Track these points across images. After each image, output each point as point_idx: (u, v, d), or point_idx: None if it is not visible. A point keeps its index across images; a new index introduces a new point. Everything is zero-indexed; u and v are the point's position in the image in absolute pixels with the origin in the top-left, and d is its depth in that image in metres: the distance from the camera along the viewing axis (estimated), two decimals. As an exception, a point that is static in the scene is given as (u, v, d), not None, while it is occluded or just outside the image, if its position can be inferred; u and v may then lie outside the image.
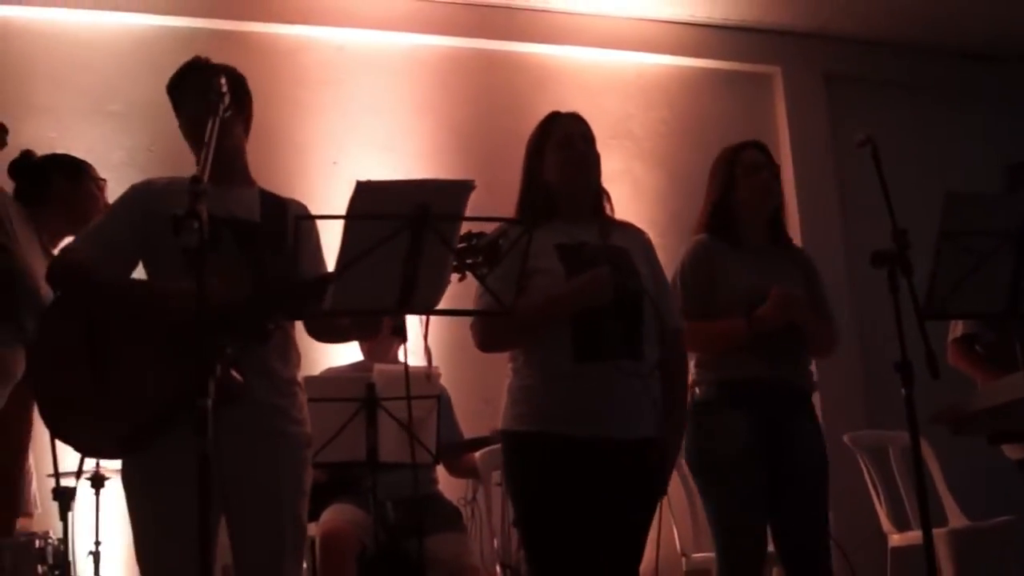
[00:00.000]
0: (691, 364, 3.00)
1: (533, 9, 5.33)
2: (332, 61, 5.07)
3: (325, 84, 5.05)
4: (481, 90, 5.25)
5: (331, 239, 2.22)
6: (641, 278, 2.70)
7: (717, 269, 3.03)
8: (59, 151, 4.69)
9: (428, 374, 3.04)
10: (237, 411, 2.22)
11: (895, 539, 4.30)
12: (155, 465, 2.30)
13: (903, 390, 2.66)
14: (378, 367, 3.53)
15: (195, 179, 1.97)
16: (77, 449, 2.43)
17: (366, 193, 2.11)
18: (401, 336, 2.33)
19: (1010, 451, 3.52)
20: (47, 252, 2.84)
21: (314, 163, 4.97)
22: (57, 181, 2.91)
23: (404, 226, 2.13)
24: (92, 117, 4.77)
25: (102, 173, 4.71)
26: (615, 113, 5.31)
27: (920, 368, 2.54)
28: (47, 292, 2.67)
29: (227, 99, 2.28)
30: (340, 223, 2.12)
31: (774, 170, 3.15)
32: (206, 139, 2.10)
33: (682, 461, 3.09)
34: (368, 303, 2.23)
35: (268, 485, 2.37)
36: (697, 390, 3.02)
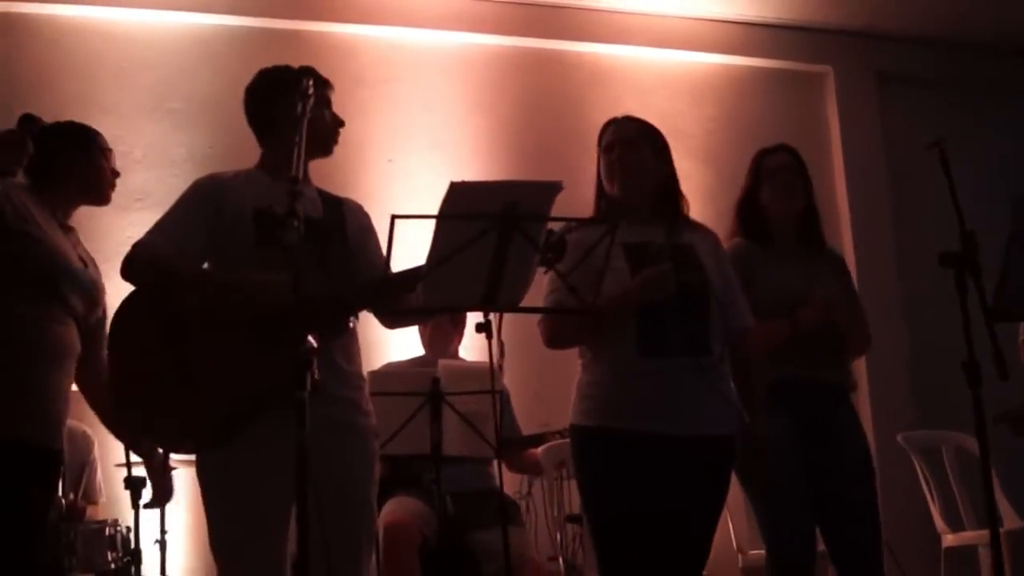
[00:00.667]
0: None
1: (585, 8, 5.36)
2: (388, 60, 5.12)
3: (381, 82, 5.10)
4: (533, 89, 5.29)
5: (407, 236, 2.26)
6: (707, 275, 2.72)
7: (752, 272, 3.06)
8: (122, 148, 4.80)
9: (500, 365, 3.07)
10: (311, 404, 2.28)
11: (949, 539, 4.30)
12: (235, 457, 2.33)
13: (971, 391, 2.66)
14: (443, 362, 3.58)
15: (293, 179, 2.04)
16: (156, 442, 2.46)
17: (458, 193, 2.16)
18: (487, 333, 2.36)
19: None
20: (64, 228, 2.84)
21: (370, 160, 5.03)
22: (66, 153, 2.81)
23: (492, 225, 2.19)
24: (153, 115, 4.85)
25: (163, 169, 4.85)
26: (665, 111, 5.32)
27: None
28: (80, 268, 2.69)
29: (311, 101, 2.35)
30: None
31: (799, 173, 3.18)
32: (296, 139, 2.18)
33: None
34: (455, 299, 2.28)
35: (342, 476, 2.40)
36: None
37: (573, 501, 4.29)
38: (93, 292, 2.70)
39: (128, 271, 2.42)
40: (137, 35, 4.92)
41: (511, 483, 4.24)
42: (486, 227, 2.19)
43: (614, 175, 2.80)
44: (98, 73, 4.83)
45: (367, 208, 5.37)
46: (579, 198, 4.83)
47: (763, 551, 3.84)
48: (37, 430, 2.51)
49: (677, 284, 2.61)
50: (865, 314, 3.19)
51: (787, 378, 2.98)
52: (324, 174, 5.29)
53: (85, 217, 4.58)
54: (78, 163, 2.84)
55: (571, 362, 2.85)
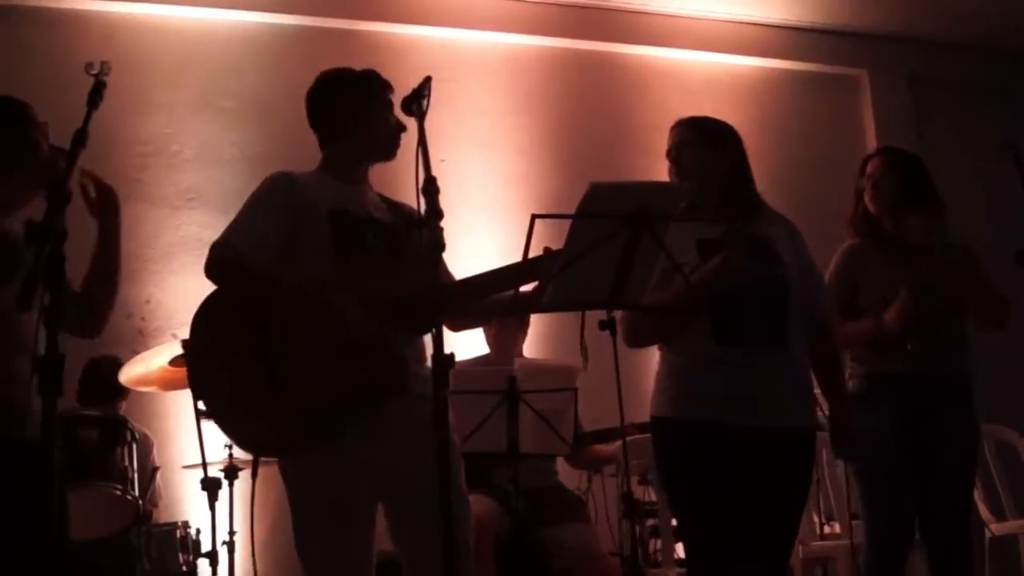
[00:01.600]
0: (847, 356, 3.11)
1: (631, 11, 5.45)
2: (439, 60, 5.17)
3: (432, 83, 5.14)
4: (580, 89, 5.36)
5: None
6: (784, 266, 2.70)
7: (860, 272, 3.15)
8: (174, 147, 4.84)
9: (586, 361, 3.11)
10: (395, 402, 2.32)
11: (993, 528, 4.41)
12: (321, 459, 2.33)
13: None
14: (519, 360, 3.64)
15: (431, 180, 2.21)
16: (240, 444, 2.45)
17: (595, 193, 2.21)
18: (610, 330, 2.41)
19: None
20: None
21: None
22: None
23: (624, 225, 2.24)
24: (205, 113, 4.88)
25: (214, 167, 4.87)
26: (710, 113, 5.39)
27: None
28: None
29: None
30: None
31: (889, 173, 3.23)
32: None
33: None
34: (584, 297, 2.33)
35: (431, 473, 2.43)
36: (849, 383, 3.12)
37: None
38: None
39: (211, 271, 2.38)
40: (189, 33, 4.97)
41: (569, 479, 4.31)
42: (617, 226, 2.23)
43: (675, 179, 2.81)
44: (150, 71, 4.86)
45: (417, 208, 5.42)
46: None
47: (824, 543, 4.01)
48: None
49: (753, 274, 2.60)
50: (987, 278, 3.15)
51: (894, 371, 3.06)
52: (377, 173, 5.37)
53: (137, 219, 4.65)
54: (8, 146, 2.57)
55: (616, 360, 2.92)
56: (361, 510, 2.39)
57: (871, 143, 5.62)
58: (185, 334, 4.52)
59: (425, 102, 2.43)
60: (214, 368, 2.38)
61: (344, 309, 2.27)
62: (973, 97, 5.94)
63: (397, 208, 2.61)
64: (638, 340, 2.82)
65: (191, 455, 3.85)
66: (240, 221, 2.43)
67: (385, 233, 2.50)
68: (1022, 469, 4.46)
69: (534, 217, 2.17)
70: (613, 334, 2.45)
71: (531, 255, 2.32)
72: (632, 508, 4.23)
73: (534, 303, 2.45)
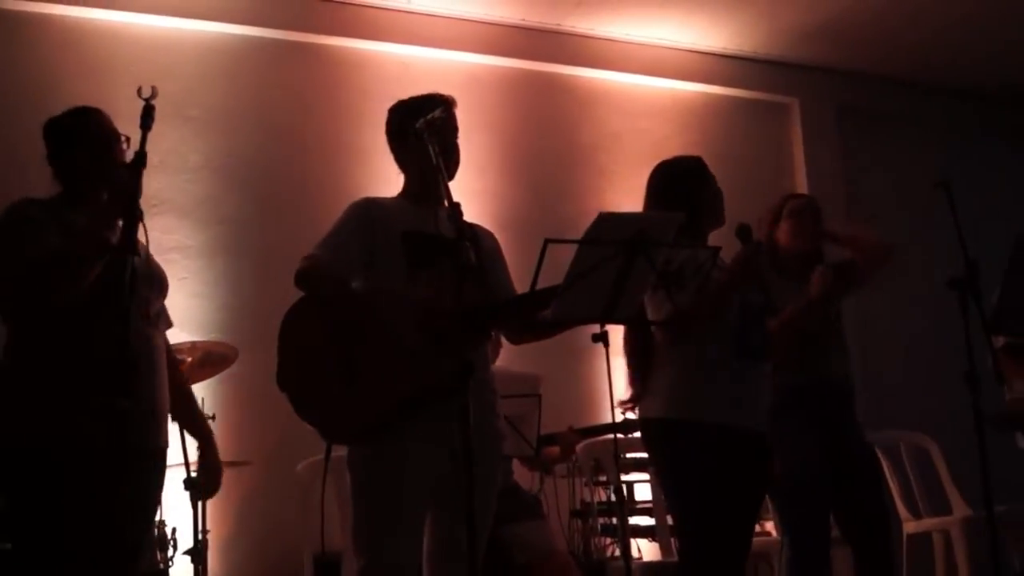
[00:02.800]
0: None
1: (581, 35, 5.72)
2: (397, 77, 5.35)
3: (390, 99, 5.31)
4: (533, 109, 5.60)
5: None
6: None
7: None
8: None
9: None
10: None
11: (910, 526, 4.79)
12: (384, 454, 2.53)
13: (971, 396, 3.16)
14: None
15: (454, 206, 2.36)
16: (323, 433, 2.60)
17: (602, 221, 2.48)
18: (603, 343, 2.67)
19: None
20: None
21: (378, 173, 5.24)
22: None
23: (623, 250, 2.50)
24: (172, 121, 4.95)
25: (181, 175, 4.98)
26: (655, 134, 5.71)
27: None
28: None
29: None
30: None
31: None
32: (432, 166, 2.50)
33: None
34: (582, 313, 2.59)
35: (487, 480, 2.64)
36: None
37: (577, 497, 4.65)
38: None
39: (300, 280, 2.61)
40: (155, 41, 5.04)
41: (522, 480, 4.54)
42: (616, 250, 2.50)
43: None
44: (114, 77, 4.91)
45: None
46: (569, 212, 5.20)
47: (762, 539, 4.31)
48: None
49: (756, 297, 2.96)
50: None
51: (798, 381, 3.39)
52: (333, 184, 5.51)
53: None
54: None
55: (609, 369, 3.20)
56: (414, 508, 2.56)
57: (800, 169, 6.01)
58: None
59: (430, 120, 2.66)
60: (300, 364, 2.57)
61: (396, 319, 2.51)
62: (899, 129, 6.37)
63: (468, 228, 2.79)
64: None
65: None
66: (326, 240, 2.67)
67: (448, 249, 2.62)
68: (935, 471, 4.86)
69: (547, 242, 2.40)
70: (606, 346, 2.70)
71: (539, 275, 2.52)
72: (587, 508, 4.52)
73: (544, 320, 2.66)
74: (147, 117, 2.47)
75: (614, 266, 2.54)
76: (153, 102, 2.47)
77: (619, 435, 4.07)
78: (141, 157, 2.40)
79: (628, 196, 4.92)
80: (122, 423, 2.40)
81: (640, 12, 5.58)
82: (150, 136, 4.82)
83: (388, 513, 2.54)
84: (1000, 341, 4.02)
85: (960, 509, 4.78)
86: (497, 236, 4.59)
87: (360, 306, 2.61)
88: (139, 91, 2.51)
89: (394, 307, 2.57)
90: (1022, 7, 5.57)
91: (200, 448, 2.82)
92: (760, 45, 5.93)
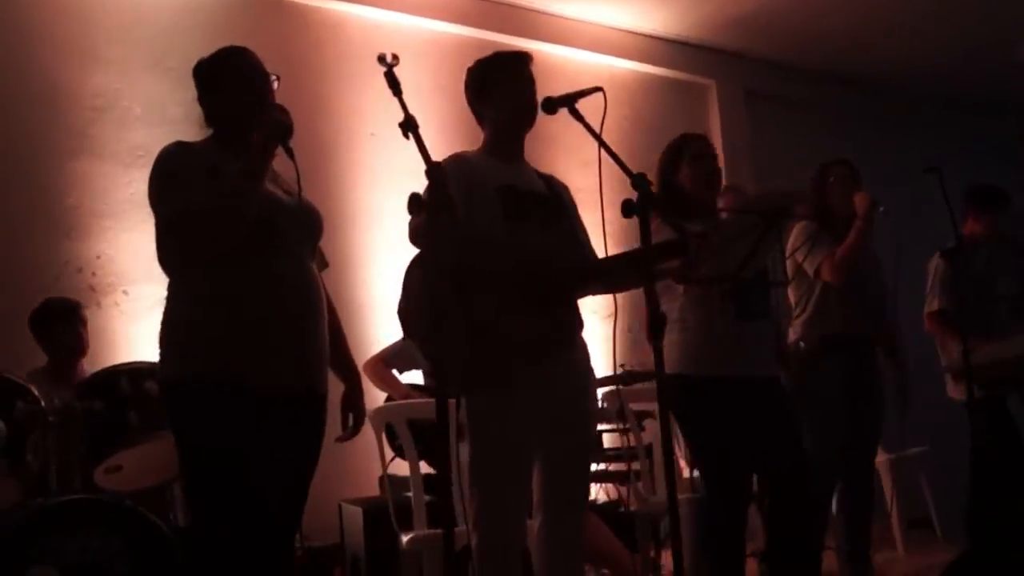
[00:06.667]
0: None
1: (535, 10, 5.96)
2: (371, 38, 5.43)
3: (364, 59, 5.40)
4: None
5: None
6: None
7: None
8: (124, 103, 4.81)
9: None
10: (563, 356, 2.78)
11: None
12: (498, 402, 2.66)
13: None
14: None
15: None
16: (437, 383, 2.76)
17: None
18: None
19: (954, 391, 4.67)
20: None
21: (354, 132, 5.35)
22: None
23: (767, 220, 2.91)
24: (153, 71, 4.86)
25: (161, 126, 4.90)
26: (593, 109, 6.05)
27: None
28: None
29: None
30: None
31: None
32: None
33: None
34: (719, 271, 3.05)
35: (586, 414, 2.88)
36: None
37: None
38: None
39: (417, 238, 2.68)
40: (135, -9, 4.90)
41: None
42: (760, 220, 2.90)
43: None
44: (98, 26, 4.77)
45: (352, 178, 5.72)
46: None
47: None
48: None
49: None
50: None
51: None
52: (310, 144, 5.58)
53: (87, 174, 4.60)
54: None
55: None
56: (527, 455, 2.73)
57: (718, 146, 6.53)
58: (135, 290, 4.62)
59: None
60: (421, 312, 2.61)
61: (513, 273, 2.67)
62: (801, 114, 6.99)
63: (549, 181, 2.99)
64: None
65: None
66: None
67: (544, 205, 2.87)
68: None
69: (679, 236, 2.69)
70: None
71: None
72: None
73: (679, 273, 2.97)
74: (395, 85, 2.60)
75: (755, 233, 2.92)
76: (394, 69, 2.55)
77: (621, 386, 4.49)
78: (407, 120, 2.54)
79: (575, 163, 5.22)
80: (302, 366, 2.48)
81: (589, -9, 5.93)
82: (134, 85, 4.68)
83: (504, 459, 2.68)
84: (934, 305, 4.67)
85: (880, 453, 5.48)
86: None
87: (478, 259, 2.67)
88: (379, 59, 2.57)
89: (508, 261, 2.68)
90: (924, 5, 6.24)
91: (347, 392, 2.76)
92: (689, 29, 6.36)
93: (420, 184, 5.60)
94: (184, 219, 2.40)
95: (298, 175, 2.51)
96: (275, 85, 2.66)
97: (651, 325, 2.29)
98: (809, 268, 3.98)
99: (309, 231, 2.65)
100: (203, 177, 2.45)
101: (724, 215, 3.29)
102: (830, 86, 7.17)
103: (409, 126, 2.50)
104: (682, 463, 4.54)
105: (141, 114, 4.82)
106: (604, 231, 2.77)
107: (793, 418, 3.43)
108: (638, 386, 4.58)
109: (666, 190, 3.38)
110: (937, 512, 5.45)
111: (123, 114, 4.80)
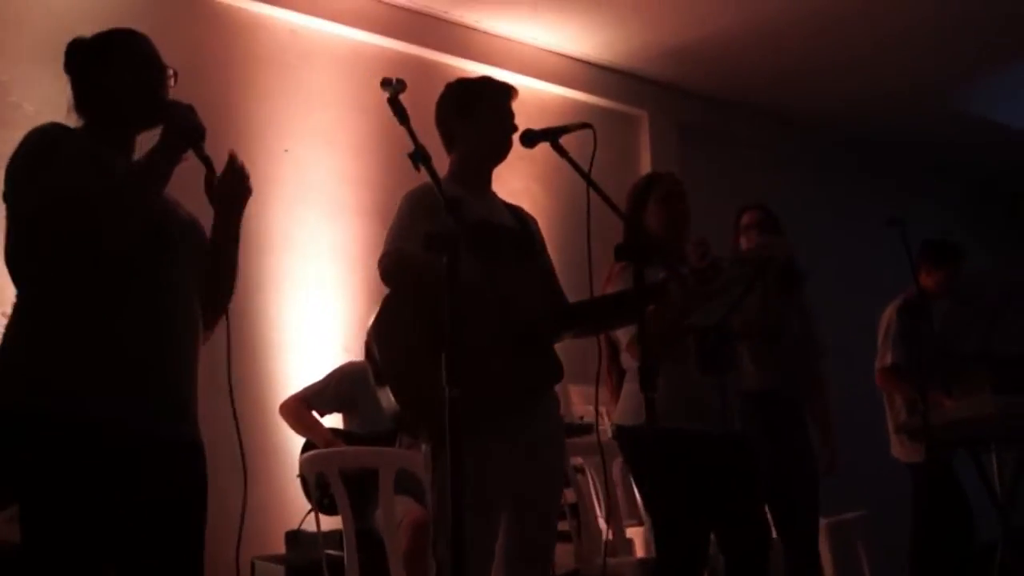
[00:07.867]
0: None
1: (464, 25, 5.63)
2: (286, 45, 5.04)
3: (278, 66, 5.00)
4: (411, 94, 5.44)
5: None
6: None
7: None
8: (13, 97, 4.30)
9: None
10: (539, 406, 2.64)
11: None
12: (471, 452, 2.44)
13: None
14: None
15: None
16: (405, 430, 2.53)
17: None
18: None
19: (903, 455, 4.50)
20: None
21: (267, 148, 4.91)
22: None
23: (758, 270, 2.77)
24: (51, 66, 4.36)
25: (54, 119, 4.36)
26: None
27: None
28: None
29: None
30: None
31: None
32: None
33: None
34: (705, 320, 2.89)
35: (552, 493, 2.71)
36: None
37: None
38: None
39: (392, 277, 2.53)
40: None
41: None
42: (752, 270, 2.77)
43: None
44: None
45: (263, 197, 5.28)
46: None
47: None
48: None
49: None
50: None
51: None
52: (217, 157, 5.15)
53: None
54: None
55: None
56: (498, 509, 2.57)
57: (647, 180, 6.30)
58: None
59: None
60: (393, 348, 2.47)
61: (487, 317, 2.50)
62: (737, 150, 6.78)
63: (517, 212, 2.83)
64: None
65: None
66: (399, 232, 2.57)
67: (514, 240, 2.72)
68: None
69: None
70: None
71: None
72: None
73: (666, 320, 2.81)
74: (401, 113, 2.41)
75: (744, 282, 2.72)
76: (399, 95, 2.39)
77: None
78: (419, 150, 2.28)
79: (500, 187, 4.93)
80: (182, 411, 2.14)
81: (522, 11, 5.58)
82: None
83: (473, 512, 2.44)
84: (887, 359, 4.52)
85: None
86: (371, 223, 4.54)
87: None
88: (383, 83, 2.44)
89: (484, 304, 2.52)
90: (867, 46, 6.13)
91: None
92: (624, 57, 6.11)
93: (340, 207, 5.25)
94: (62, 206, 1.98)
95: (214, 182, 2.27)
96: (172, 81, 2.30)
97: (643, 378, 2.20)
98: None
99: (198, 250, 2.29)
100: (89, 164, 2.06)
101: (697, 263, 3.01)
102: (768, 123, 7.01)
103: (420, 157, 2.25)
104: (601, 524, 4.31)
105: (33, 112, 4.31)
106: (590, 269, 2.61)
107: (755, 483, 3.25)
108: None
109: (631, 231, 3.14)
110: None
111: (11, 111, 4.29)
